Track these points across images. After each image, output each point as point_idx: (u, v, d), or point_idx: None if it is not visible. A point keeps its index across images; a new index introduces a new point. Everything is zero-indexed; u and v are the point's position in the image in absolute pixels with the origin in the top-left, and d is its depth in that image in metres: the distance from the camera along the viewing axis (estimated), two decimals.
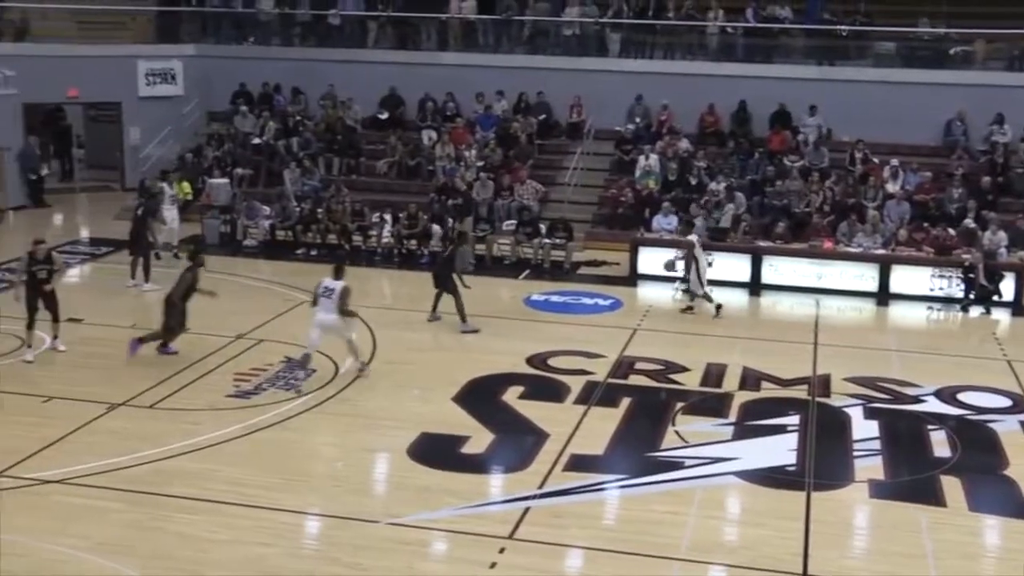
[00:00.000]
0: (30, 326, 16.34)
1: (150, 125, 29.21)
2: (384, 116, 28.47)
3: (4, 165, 27.13)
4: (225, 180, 25.80)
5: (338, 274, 16.05)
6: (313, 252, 23.43)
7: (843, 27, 27.49)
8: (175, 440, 13.62)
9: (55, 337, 16.72)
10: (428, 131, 27.62)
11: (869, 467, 13.51)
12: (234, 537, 11.37)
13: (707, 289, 19.91)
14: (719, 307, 19.75)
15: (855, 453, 13.94)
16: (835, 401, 15.67)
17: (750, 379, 16.47)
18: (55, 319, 16.64)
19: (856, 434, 14.52)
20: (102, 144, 31.85)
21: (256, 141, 27.76)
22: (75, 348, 17.02)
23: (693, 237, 20.06)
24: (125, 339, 17.61)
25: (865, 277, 21.40)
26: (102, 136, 31.91)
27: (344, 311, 15.84)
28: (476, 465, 13.38)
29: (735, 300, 21.35)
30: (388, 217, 23.92)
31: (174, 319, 16.56)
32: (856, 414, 15.19)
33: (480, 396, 15.53)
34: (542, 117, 27.58)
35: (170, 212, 22.61)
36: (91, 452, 13.27)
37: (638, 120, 27.25)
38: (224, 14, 31.21)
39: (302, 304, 19.45)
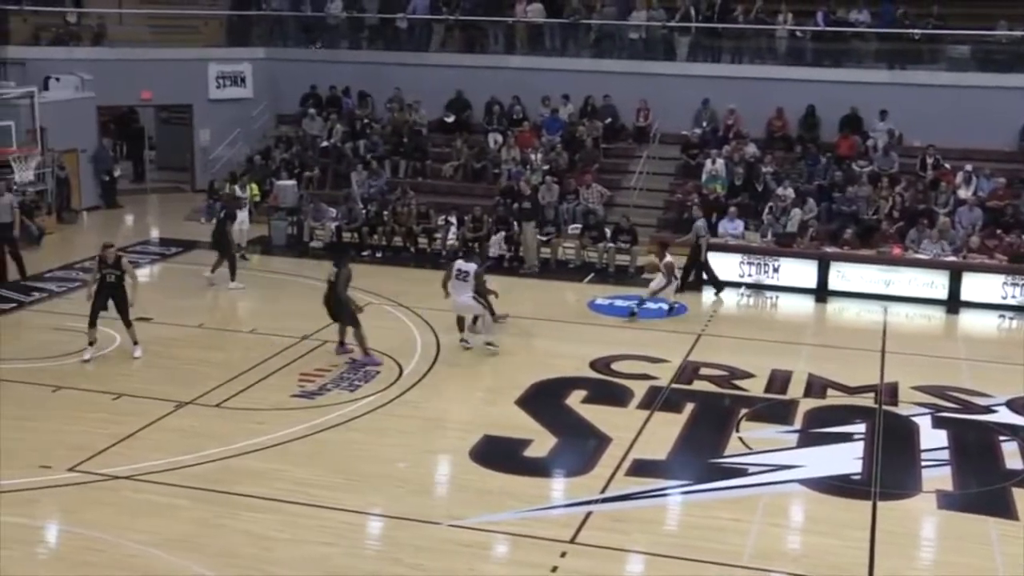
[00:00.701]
0: (91, 324, 16.57)
1: (220, 127, 29.59)
2: (450, 119, 28.58)
3: (79, 166, 27.61)
4: (292, 182, 26.05)
5: (470, 257, 17.50)
6: (379, 254, 23.59)
7: (915, 30, 27.09)
8: (241, 439, 13.79)
9: (135, 343, 16.84)
10: (494, 134, 27.68)
11: (937, 477, 13.30)
12: (298, 536, 11.48)
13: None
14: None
15: (923, 463, 13.73)
16: (903, 410, 15.45)
17: (815, 386, 16.29)
18: (127, 324, 16.80)
19: (924, 443, 14.30)
20: (173, 146, 32.34)
21: (324, 143, 28.01)
22: (144, 347, 17.27)
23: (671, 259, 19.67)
24: (193, 338, 17.93)
25: (935, 284, 21.06)
26: (173, 138, 32.40)
27: (482, 291, 17.04)
28: (539, 468, 13.38)
29: (801, 306, 21.15)
30: (453, 220, 24.01)
31: (347, 314, 16.68)
32: (924, 423, 14.96)
33: (544, 399, 15.53)
34: (608, 121, 27.52)
35: (240, 214, 22.83)
36: (159, 449, 13.48)
37: (705, 124, 27.09)
38: (293, 18, 31.50)
39: (367, 306, 19.60)
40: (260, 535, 11.48)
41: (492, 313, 17.82)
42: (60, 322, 17.88)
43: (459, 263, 17.25)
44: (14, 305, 19.62)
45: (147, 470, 12.85)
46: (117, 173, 29.13)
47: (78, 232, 26.16)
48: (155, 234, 26.20)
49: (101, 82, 27.92)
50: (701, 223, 21.94)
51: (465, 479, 13.08)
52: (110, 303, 16.65)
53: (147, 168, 32.40)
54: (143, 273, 22.50)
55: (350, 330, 16.78)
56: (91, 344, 16.61)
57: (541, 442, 13.98)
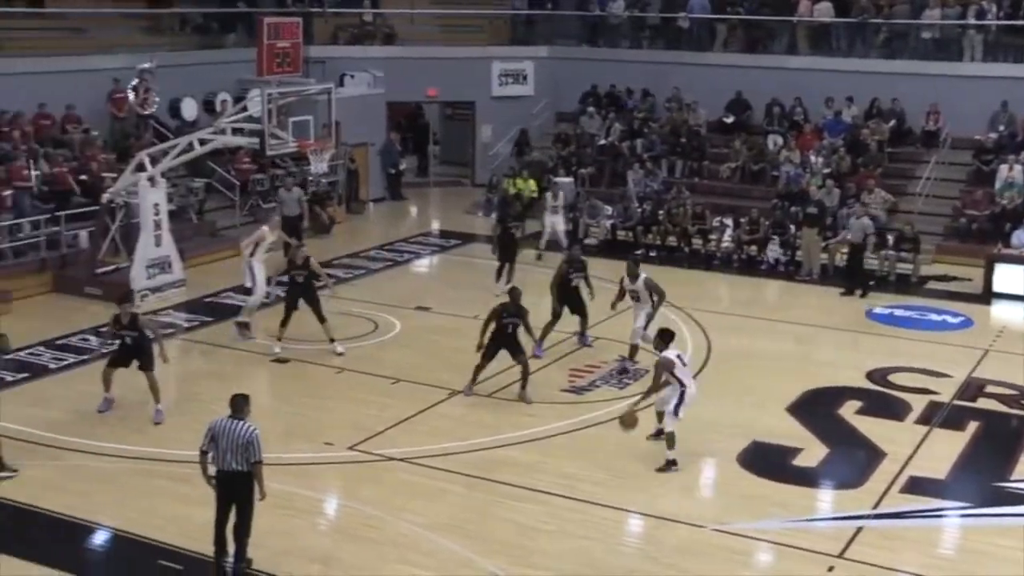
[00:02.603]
0: (283, 324, 16.74)
1: (501, 124, 30.30)
2: (729, 120, 28.22)
3: (368, 160, 28.93)
4: (570, 179, 26.39)
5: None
6: (652, 253, 23.54)
7: None
8: (510, 430, 14.11)
9: (331, 340, 16.83)
10: (774, 136, 27.13)
11: None
12: (561, 529, 11.64)
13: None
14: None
15: None
16: None
17: None
18: (320, 320, 16.78)
19: None
20: (455, 141, 33.41)
21: (601, 142, 28.23)
22: (422, 335, 17.98)
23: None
24: (469, 329, 18.34)
25: None
26: (456, 134, 33.47)
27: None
28: (807, 478, 13.05)
29: None
30: (729, 222, 23.73)
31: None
32: None
33: (815, 408, 15.13)
34: (893, 123, 26.43)
35: (552, 218, 22.90)
36: (432, 434, 13.96)
37: (1001, 128, 25.58)
38: (576, 17, 31.85)
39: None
40: (525, 525, 11.71)
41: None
42: (346, 307, 18.73)
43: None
44: None
45: (420, 454, 13.34)
46: (402, 167, 30.35)
47: (365, 222, 27.40)
48: (436, 226, 27.11)
49: (391, 79, 29.16)
50: (867, 221, 21.04)
51: (731, 483, 12.90)
52: (302, 302, 16.87)
53: (430, 162, 33.59)
54: (422, 263, 23.39)
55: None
56: (279, 340, 16.75)
57: (811, 451, 13.63)
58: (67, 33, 25.35)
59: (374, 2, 31.42)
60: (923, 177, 25.02)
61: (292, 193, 22.02)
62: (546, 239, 23.03)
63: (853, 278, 21.00)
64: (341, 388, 15.66)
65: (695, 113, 28.19)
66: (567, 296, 17.30)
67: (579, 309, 17.34)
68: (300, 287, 16.77)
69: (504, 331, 15.22)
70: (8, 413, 14.11)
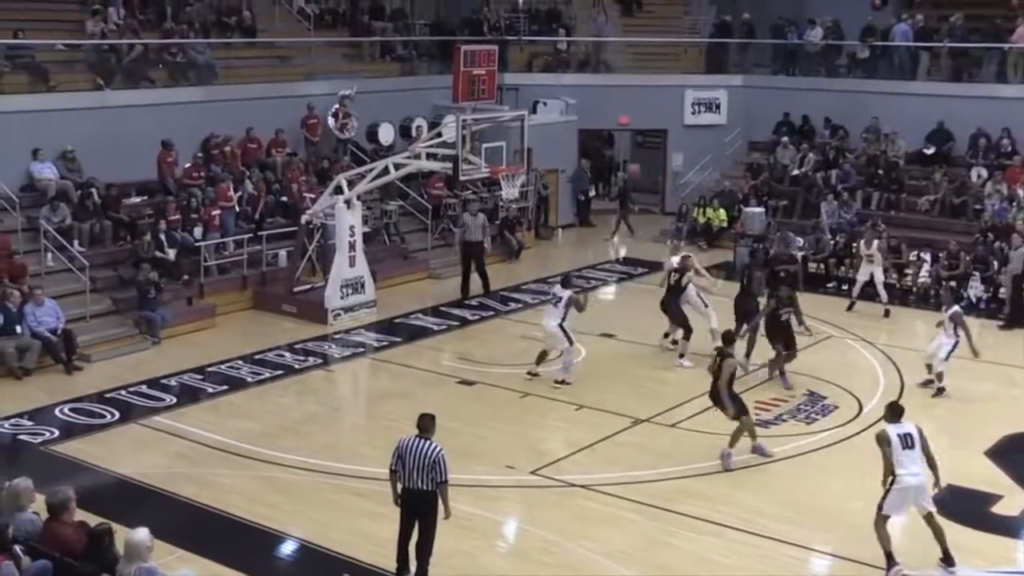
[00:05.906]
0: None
1: (692, 152, 30.03)
2: (930, 151, 27.23)
3: (558, 186, 29.12)
4: (760, 209, 25.98)
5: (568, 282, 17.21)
6: (844, 287, 22.88)
7: None
8: (692, 460, 13.92)
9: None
10: (978, 168, 26.05)
11: None
12: (739, 563, 11.43)
13: None
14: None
15: None
16: None
17: None
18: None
19: None
20: (645, 169, 33.27)
21: (795, 172, 27.67)
22: (606, 362, 17.90)
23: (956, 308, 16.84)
24: (654, 357, 18.29)
25: None
26: (645, 161, 33.33)
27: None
28: (1008, 528, 12.47)
29: None
30: (927, 256, 22.87)
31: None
32: None
33: (1019, 453, 14.42)
34: None
35: (869, 268, 21.41)
36: (613, 462, 13.90)
37: None
38: (771, 45, 31.30)
39: (829, 338, 19.20)
40: (702, 557, 11.55)
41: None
42: (531, 332, 18.84)
43: (556, 288, 17.27)
44: (492, 313, 21.04)
45: (601, 481, 13.29)
46: (592, 194, 30.43)
47: (553, 248, 27.57)
48: (622, 253, 27.03)
49: (583, 107, 29.31)
50: None
51: (923, 527, 12.32)
52: None
53: (624, 192, 33.40)
54: (608, 291, 23.34)
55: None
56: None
57: (1013, 499, 13.00)
58: (275, 61, 26.44)
59: (568, 31, 31.67)
60: None
61: (477, 218, 22.21)
62: (860, 288, 21.50)
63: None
64: (525, 412, 15.75)
65: (894, 144, 27.32)
66: (779, 331, 17.00)
67: (789, 343, 16.98)
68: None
69: None
70: (209, 423, 14.76)
